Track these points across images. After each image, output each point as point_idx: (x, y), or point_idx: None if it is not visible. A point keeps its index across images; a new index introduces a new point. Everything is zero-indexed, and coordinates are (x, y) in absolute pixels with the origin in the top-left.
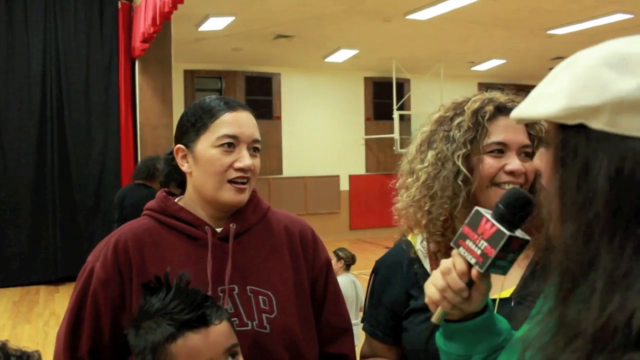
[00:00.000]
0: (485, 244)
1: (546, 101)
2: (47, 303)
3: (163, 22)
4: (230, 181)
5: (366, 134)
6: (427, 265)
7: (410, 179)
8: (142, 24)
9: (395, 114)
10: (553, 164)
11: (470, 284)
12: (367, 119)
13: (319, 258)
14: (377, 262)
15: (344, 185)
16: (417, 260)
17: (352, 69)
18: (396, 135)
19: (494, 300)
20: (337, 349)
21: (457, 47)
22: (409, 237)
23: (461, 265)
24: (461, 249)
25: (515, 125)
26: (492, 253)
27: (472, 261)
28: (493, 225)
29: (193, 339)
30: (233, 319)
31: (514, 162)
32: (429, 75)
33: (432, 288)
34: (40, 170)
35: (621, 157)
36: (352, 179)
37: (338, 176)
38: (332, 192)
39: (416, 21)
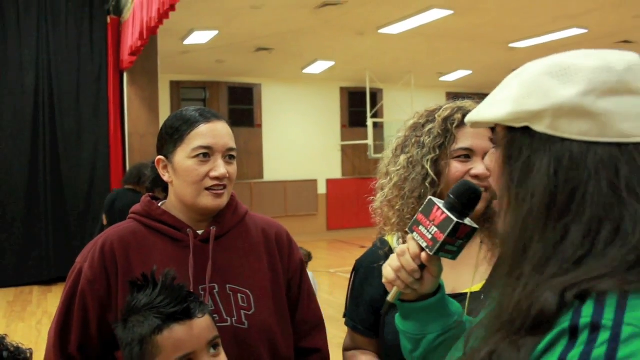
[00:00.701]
0: (435, 229)
1: (496, 106)
2: (40, 302)
3: (150, 36)
4: (208, 189)
5: (342, 140)
6: None
7: (384, 180)
8: (130, 38)
9: (369, 122)
10: (501, 162)
11: (422, 266)
12: (342, 126)
13: (293, 258)
14: (357, 261)
15: (322, 189)
16: None
17: (328, 80)
18: (370, 141)
19: (465, 294)
20: (311, 343)
21: (427, 59)
22: (387, 237)
23: (414, 249)
24: (415, 234)
25: (482, 132)
26: (441, 238)
27: (424, 245)
28: (443, 212)
29: (178, 331)
30: (214, 316)
31: (479, 167)
32: (401, 85)
33: (388, 269)
34: (33, 176)
35: (558, 158)
36: (329, 182)
37: (316, 180)
38: (310, 195)
39: (388, 35)
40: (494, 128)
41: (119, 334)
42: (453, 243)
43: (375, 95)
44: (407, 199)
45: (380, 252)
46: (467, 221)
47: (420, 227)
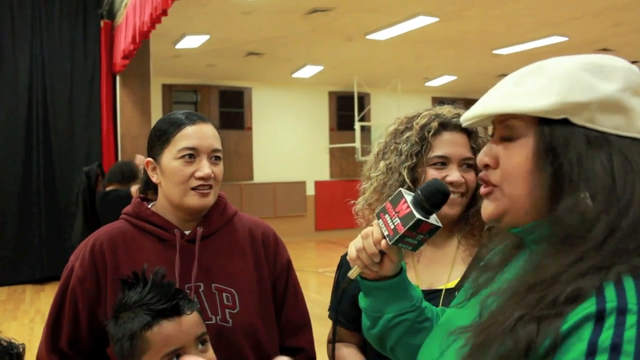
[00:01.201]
0: (398, 221)
1: (533, 97)
2: (32, 301)
3: (142, 40)
4: (194, 188)
5: (330, 143)
6: None
7: (366, 184)
8: (123, 42)
9: (357, 125)
10: (537, 153)
11: (382, 252)
12: (331, 130)
13: (280, 258)
14: (341, 257)
15: (310, 190)
16: None
17: (317, 84)
18: (357, 144)
19: (441, 290)
20: (296, 342)
21: (413, 64)
22: None
23: (377, 234)
24: (380, 221)
25: (457, 140)
26: (401, 230)
27: (385, 233)
28: (408, 206)
29: (167, 327)
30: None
31: (453, 174)
32: (387, 89)
33: (352, 247)
34: (27, 178)
35: (608, 152)
36: (318, 184)
37: (304, 182)
38: (299, 197)
39: (375, 41)
40: (468, 131)
41: (110, 329)
42: (413, 237)
43: (363, 99)
44: None
45: None
46: (433, 219)
47: (386, 216)
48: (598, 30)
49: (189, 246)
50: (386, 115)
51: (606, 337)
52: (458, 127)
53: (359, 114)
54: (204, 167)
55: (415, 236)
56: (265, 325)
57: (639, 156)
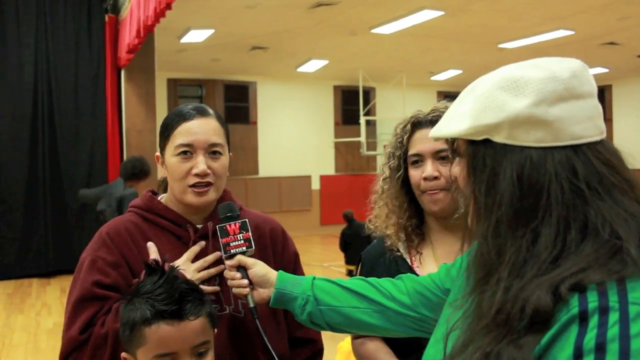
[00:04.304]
0: (242, 233)
1: (456, 121)
2: (39, 294)
3: (147, 34)
4: (191, 186)
5: (335, 137)
6: (406, 255)
7: (376, 185)
8: (128, 36)
9: (362, 120)
10: (466, 173)
11: (245, 274)
12: (336, 124)
13: (287, 252)
14: (362, 253)
15: (315, 185)
16: (398, 251)
17: (322, 78)
18: (362, 138)
19: None
20: (306, 333)
21: (418, 58)
22: (388, 231)
23: (233, 265)
24: (232, 251)
25: (427, 136)
26: (249, 234)
27: (243, 250)
28: (234, 223)
29: (164, 329)
30: (215, 306)
31: (427, 169)
32: (393, 84)
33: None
34: (33, 172)
35: (520, 165)
36: (323, 178)
37: (310, 176)
38: (304, 191)
39: (380, 35)
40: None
41: (122, 310)
42: (234, 240)
43: (368, 94)
44: (393, 207)
45: (385, 245)
46: (234, 224)
47: (231, 244)
48: (604, 24)
49: (203, 241)
50: (391, 109)
51: (590, 337)
52: (432, 123)
53: (364, 108)
54: (200, 164)
55: (235, 239)
56: (274, 316)
57: (567, 163)
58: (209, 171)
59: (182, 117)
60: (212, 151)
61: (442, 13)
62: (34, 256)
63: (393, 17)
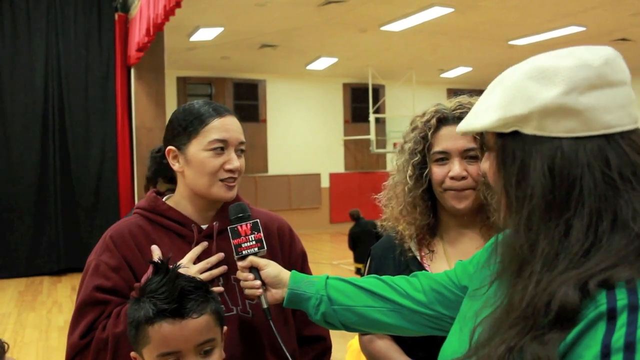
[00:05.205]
0: (254, 234)
1: (483, 114)
2: (50, 292)
3: (156, 33)
4: (222, 180)
5: (345, 135)
6: (416, 252)
7: (390, 181)
8: (137, 35)
9: (371, 117)
10: (496, 166)
11: (258, 275)
12: (345, 122)
13: (295, 250)
14: (372, 248)
15: (325, 183)
16: (408, 247)
17: (331, 76)
18: (372, 136)
19: None
20: (314, 331)
21: (428, 55)
22: (400, 227)
23: (245, 266)
24: (244, 252)
25: (456, 134)
26: (261, 235)
27: (255, 251)
28: (246, 223)
29: (166, 328)
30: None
31: (455, 168)
32: (402, 81)
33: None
34: (44, 170)
35: (551, 157)
36: (332, 176)
37: (319, 174)
38: (314, 189)
39: (390, 32)
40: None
41: (129, 309)
42: (246, 241)
43: (378, 91)
44: (411, 204)
45: (395, 241)
46: (246, 224)
47: (243, 245)
48: (616, 20)
49: (206, 241)
50: (401, 107)
51: (619, 336)
52: (459, 119)
53: (373, 106)
54: (234, 160)
55: (247, 240)
56: (282, 315)
57: (600, 153)
58: (240, 167)
59: (217, 113)
60: (240, 149)
61: (452, 10)
62: (45, 254)
63: (403, 14)
